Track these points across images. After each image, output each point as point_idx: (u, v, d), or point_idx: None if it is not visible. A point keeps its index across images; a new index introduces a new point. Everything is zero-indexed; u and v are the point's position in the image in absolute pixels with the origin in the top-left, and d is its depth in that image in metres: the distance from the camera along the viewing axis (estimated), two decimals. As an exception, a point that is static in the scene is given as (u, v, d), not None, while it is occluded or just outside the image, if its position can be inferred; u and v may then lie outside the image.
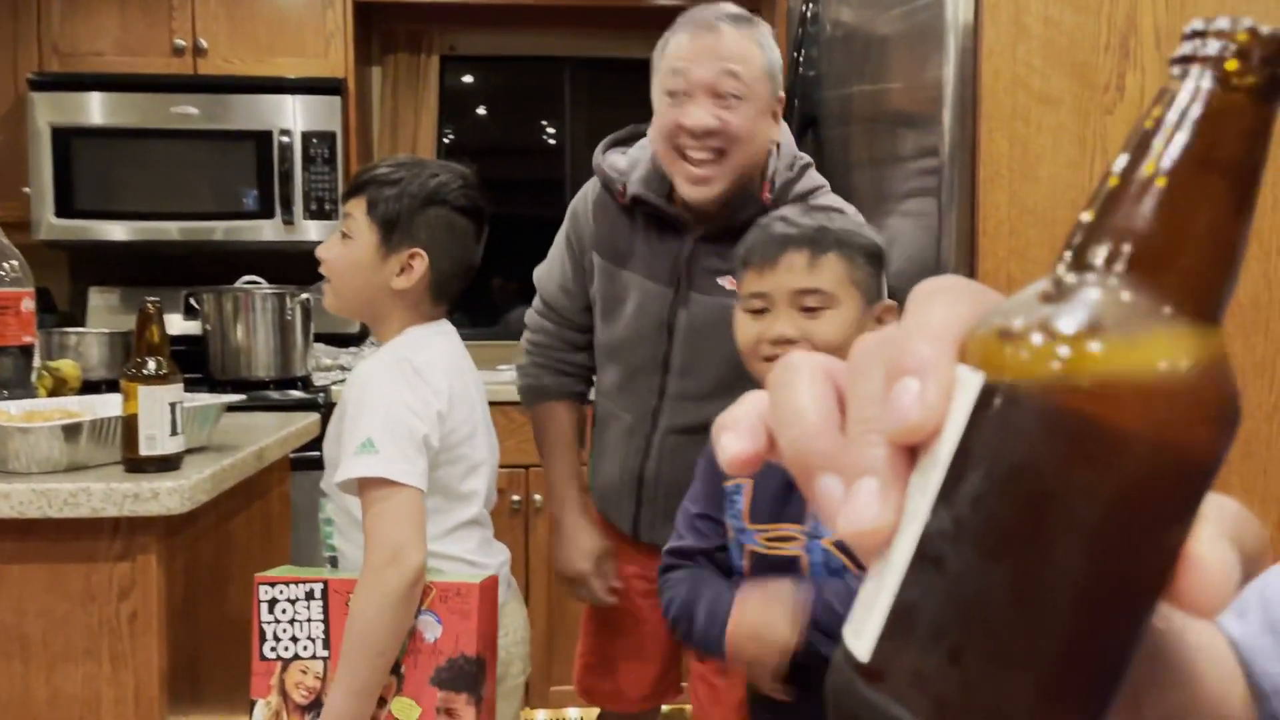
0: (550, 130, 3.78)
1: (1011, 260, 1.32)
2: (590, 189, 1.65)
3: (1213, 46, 0.24)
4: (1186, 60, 0.24)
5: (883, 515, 0.26)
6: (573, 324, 1.69)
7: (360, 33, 3.18)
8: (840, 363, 0.29)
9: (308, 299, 2.87)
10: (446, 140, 3.61)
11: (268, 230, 3.00)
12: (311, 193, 2.98)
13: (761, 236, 1.23)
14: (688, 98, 1.41)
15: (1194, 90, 0.24)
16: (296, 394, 2.80)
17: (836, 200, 1.51)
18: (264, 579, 1.34)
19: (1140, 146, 0.25)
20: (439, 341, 1.44)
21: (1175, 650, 0.38)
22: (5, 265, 1.49)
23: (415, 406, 1.32)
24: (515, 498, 2.73)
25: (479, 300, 3.60)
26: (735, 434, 0.30)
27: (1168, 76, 0.26)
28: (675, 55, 1.43)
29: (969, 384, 0.25)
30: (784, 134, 1.53)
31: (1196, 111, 0.24)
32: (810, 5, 2.00)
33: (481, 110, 3.82)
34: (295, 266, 3.14)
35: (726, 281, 1.47)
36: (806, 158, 1.56)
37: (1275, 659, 0.46)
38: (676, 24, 1.45)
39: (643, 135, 1.60)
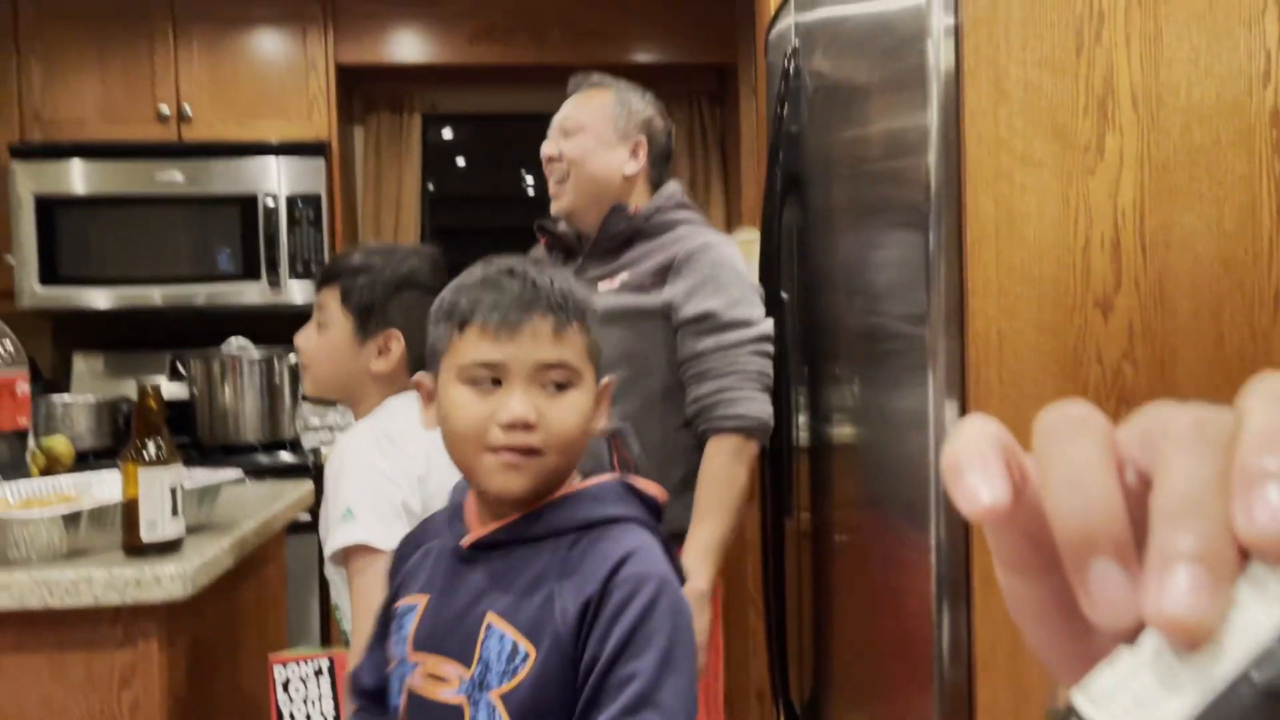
0: (530, 179, 3.82)
1: (1001, 318, 1.34)
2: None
3: None
4: None
5: (1213, 609, 0.22)
6: None
7: (342, 95, 3.20)
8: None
9: (295, 361, 2.87)
10: (428, 190, 3.63)
11: (254, 292, 3.00)
12: (297, 254, 2.99)
13: (493, 291, 0.99)
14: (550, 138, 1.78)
15: None
16: (286, 457, 2.79)
17: (701, 234, 1.71)
18: (277, 659, 1.36)
19: None
20: (417, 406, 1.46)
21: None
22: (0, 347, 1.49)
23: (391, 473, 1.34)
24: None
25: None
26: (988, 478, 0.25)
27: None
28: None
29: None
30: (673, 183, 1.83)
31: None
32: (792, 60, 2.04)
33: (461, 162, 3.85)
34: (282, 328, 3.14)
35: (603, 284, 1.70)
36: (684, 201, 1.80)
37: None
38: None
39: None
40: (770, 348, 1.68)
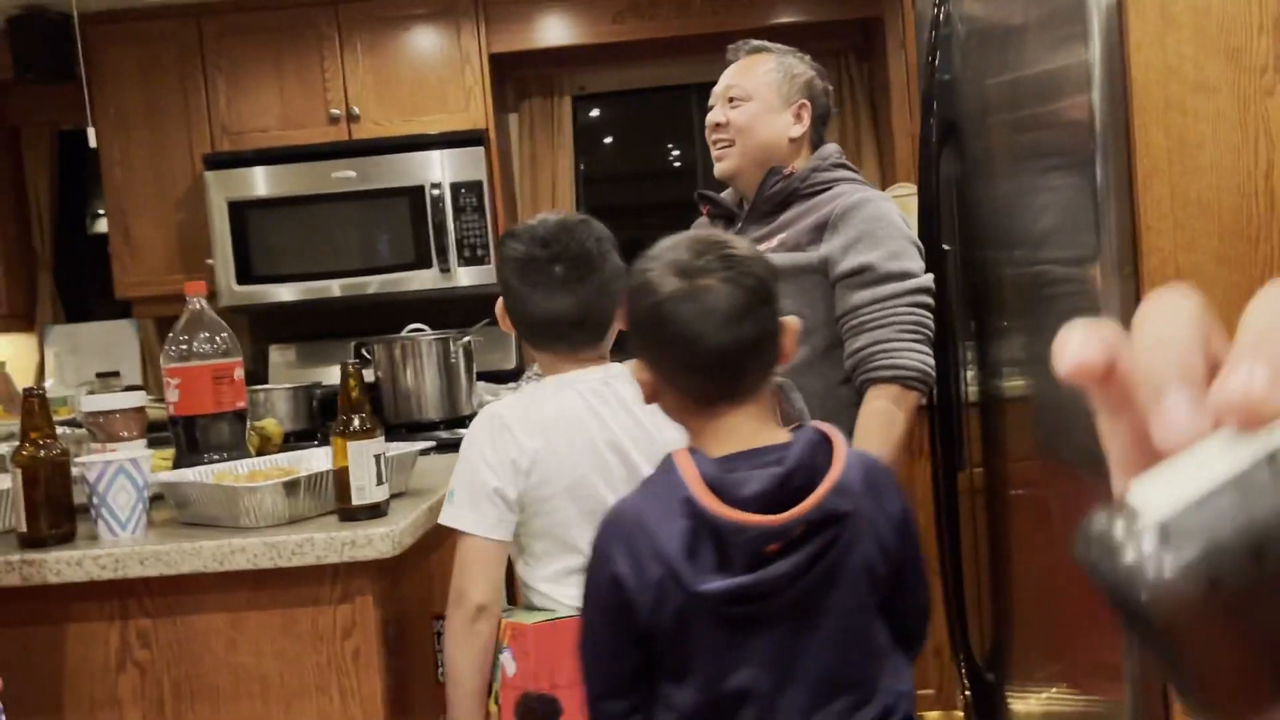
0: (676, 153, 3.87)
1: (1179, 253, 1.30)
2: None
3: None
4: None
5: (1273, 396, 0.26)
6: None
7: (496, 84, 3.32)
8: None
9: (469, 341, 3.01)
10: (581, 170, 3.73)
11: (426, 279, 3.17)
12: (464, 241, 3.14)
13: None
14: (713, 106, 1.85)
15: None
16: (464, 432, 2.94)
17: (859, 190, 1.74)
18: (435, 614, 1.50)
19: None
20: (560, 396, 1.43)
21: None
22: (217, 339, 1.65)
23: (491, 460, 1.38)
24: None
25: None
26: (1086, 340, 0.29)
27: None
28: None
29: None
30: (832, 145, 1.88)
31: None
32: (941, 7, 2.00)
33: (609, 140, 3.93)
34: (454, 311, 3.31)
35: (762, 245, 1.72)
36: (841, 160, 1.84)
37: None
38: None
39: None
40: (929, 300, 1.69)
